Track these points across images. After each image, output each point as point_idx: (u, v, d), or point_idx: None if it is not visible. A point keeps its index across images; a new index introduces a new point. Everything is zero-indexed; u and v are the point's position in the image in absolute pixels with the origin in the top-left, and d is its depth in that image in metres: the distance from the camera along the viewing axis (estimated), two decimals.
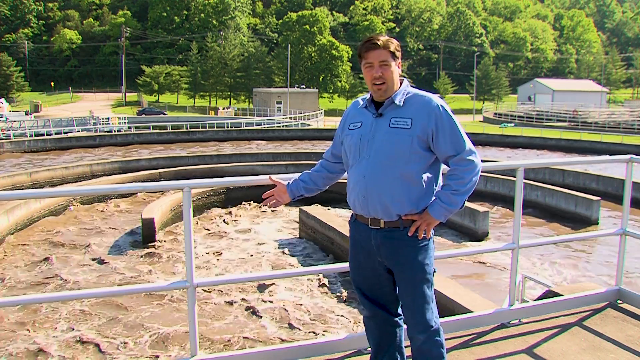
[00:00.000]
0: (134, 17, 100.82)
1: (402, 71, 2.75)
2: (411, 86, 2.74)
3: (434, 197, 2.67)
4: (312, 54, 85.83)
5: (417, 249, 2.67)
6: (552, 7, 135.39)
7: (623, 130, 46.46)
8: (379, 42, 2.63)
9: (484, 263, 12.86)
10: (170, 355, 8.35)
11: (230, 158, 25.52)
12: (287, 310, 10.03)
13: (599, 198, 16.85)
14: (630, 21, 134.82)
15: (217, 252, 13.70)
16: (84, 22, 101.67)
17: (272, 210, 17.47)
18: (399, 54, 2.69)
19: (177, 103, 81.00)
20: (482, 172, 2.75)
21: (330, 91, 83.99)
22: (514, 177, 3.91)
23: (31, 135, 36.48)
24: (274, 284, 11.12)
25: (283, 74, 79.17)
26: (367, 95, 2.78)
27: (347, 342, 3.45)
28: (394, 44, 2.67)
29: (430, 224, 2.65)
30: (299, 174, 3.04)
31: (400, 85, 2.71)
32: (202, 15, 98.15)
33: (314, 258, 13.29)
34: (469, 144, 2.66)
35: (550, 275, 12.01)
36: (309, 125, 49.81)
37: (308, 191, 2.99)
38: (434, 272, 2.74)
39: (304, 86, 75.06)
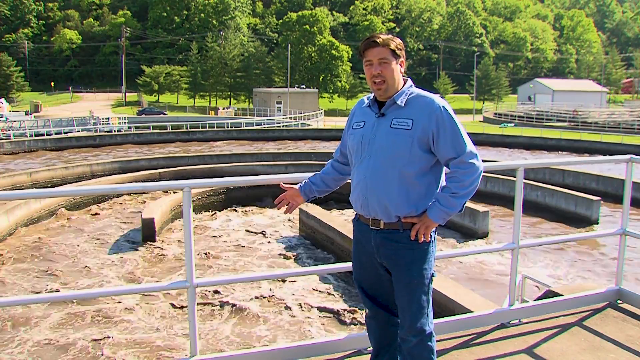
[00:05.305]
0: (134, 17, 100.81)
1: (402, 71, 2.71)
2: (415, 86, 2.70)
3: (433, 200, 2.64)
4: (312, 54, 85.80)
5: (416, 252, 2.65)
6: (552, 7, 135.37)
7: (623, 130, 46.47)
8: (378, 40, 2.61)
9: (484, 263, 12.87)
10: (170, 356, 8.35)
11: (230, 158, 25.52)
12: (287, 311, 10.03)
13: (599, 198, 16.85)
14: (630, 21, 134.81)
15: (217, 252, 13.70)
16: (84, 22, 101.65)
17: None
18: (400, 53, 2.65)
19: (177, 103, 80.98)
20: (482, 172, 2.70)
21: (330, 91, 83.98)
22: (514, 177, 3.91)
23: (31, 135, 36.49)
24: (274, 284, 11.12)
25: (283, 74, 79.19)
26: (372, 95, 2.75)
27: (347, 342, 3.45)
28: (395, 42, 2.63)
29: (428, 227, 2.62)
30: (309, 176, 3.04)
31: (404, 85, 2.68)
32: (202, 15, 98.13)
33: (314, 258, 13.29)
34: (470, 147, 2.61)
35: (550, 275, 12.01)
36: (309, 125, 49.82)
37: (320, 192, 3.01)
38: (433, 276, 2.70)
39: (304, 86, 75.04)
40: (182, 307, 10.05)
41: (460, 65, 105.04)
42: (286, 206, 3.03)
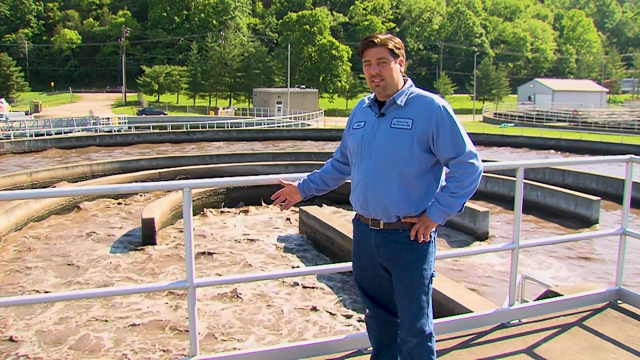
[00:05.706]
0: (134, 17, 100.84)
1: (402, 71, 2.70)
2: (415, 86, 2.69)
3: (432, 200, 2.63)
4: (312, 54, 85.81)
5: (416, 252, 2.64)
6: (552, 7, 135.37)
7: (623, 130, 46.46)
8: (376, 40, 2.61)
9: (484, 263, 12.86)
10: (170, 356, 8.35)
11: (230, 158, 25.52)
12: (287, 311, 10.03)
13: (599, 198, 16.84)
14: (630, 21, 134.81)
15: (217, 252, 13.69)
16: (84, 22, 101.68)
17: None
18: (399, 52, 2.64)
19: (177, 103, 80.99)
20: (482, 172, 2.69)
21: (330, 91, 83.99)
22: (514, 177, 3.90)
23: (31, 135, 36.49)
24: (273, 283, 11.12)
25: (283, 74, 79.18)
26: (372, 95, 2.75)
27: (347, 342, 3.45)
28: (394, 42, 2.63)
29: (428, 227, 2.61)
30: (308, 174, 3.04)
31: (404, 85, 2.67)
32: (202, 15, 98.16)
33: (314, 258, 13.29)
34: (469, 146, 2.60)
35: (550, 276, 12.01)
36: (309, 125, 49.82)
37: (319, 191, 3.01)
38: (433, 276, 2.69)
39: (304, 86, 75.05)
40: (181, 307, 10.05)
41: (460, 65, 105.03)
42: (282, 203, 3.03)
